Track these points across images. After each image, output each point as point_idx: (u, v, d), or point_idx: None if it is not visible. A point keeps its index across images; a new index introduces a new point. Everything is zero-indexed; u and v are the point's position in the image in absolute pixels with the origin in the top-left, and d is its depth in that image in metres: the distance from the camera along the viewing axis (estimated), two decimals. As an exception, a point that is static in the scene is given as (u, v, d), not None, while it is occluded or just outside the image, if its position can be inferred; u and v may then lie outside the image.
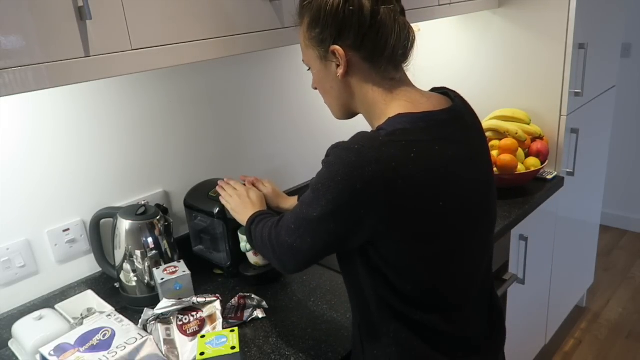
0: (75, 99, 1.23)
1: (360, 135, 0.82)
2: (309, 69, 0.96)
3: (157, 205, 1.33)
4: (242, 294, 1.23)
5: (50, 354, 0.99)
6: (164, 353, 1.05)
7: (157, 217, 1.28)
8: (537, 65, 1.85)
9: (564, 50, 1.77)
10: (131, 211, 1.26)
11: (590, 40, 1.82)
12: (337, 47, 0.86)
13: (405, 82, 0.91)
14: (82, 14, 0.83)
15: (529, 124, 1.86)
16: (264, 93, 1.65)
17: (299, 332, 1.14)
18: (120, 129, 1.33)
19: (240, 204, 1.21)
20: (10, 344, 1.17)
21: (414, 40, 0.89)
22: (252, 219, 1.09)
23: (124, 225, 1.24)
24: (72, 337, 1.03)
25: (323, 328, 1.15)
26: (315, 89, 0.99)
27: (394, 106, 0.87)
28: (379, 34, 0.85)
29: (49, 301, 1.24)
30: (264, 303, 1.23)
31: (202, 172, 1.52)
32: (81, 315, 1.22)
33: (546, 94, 1.86)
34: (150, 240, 1.26)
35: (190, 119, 1.48)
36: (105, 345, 1.00)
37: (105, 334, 1.03)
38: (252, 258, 1.33)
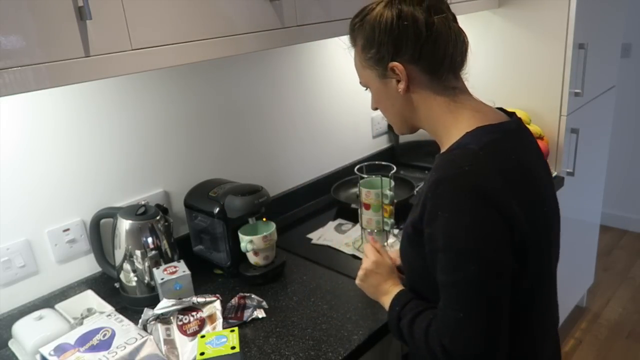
0: (75, 99, 1.23)
1: (455, 159, 0.80)
2: (366, 89, 0.97)
3: (157, 205, 1.33)
4: (242, 294, 1.23)
5: (50, 354, 0.99)
6: (164, 353, 1.05)
7: (157, 217, 1.28)
8: (537, 65, 1.85)
9: (564, 50, 1.77)
10: (131, 211, 1.26)
11: (590, 40, 1.82)
12: (395, 64, 0.86)
13: (465, 90, 0.91)
14: (82, 14, 0.83)
15: (529, 124, 1.86)
16: (264, 93, 1.65)
17: (299, 332, 1.14)
18: (121, 129, 1.33)
19: (374, 286, 1.06)
20: (10, 344, 1.17)
21: (468, 45, 0.90)
22: (398, 315, 0.93)
23: (124, 225, 1.24)
24: (72, 337, 1.03)
25: (323, 328, 1.15)
26: (376, 109, 0.99)
27: (464, 118, 0.87)
28: (437, 44, 0.85)
29: (49, 301, 1.24)
30: (264, 303, 1.23)
31: (202, 172, 1.52)
32: (81, 315, 1.22)
33: (546, 94, 1.86)
34: (150, 240, 1.26)
35: (191, 119, 1.47)
36: (105, 345, 1.00)
37: (105, 334, 1.03)
38: (252, 258, 1.33)
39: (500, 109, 0.96)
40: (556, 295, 1.01)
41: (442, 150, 0.90)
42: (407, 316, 0.90)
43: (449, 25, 0.86)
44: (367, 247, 1.10)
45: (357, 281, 1.08)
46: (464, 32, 0.89)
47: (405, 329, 0.90)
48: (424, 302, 0.92)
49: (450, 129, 0.88)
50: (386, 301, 0.99)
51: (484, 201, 0.76)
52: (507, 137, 0.85)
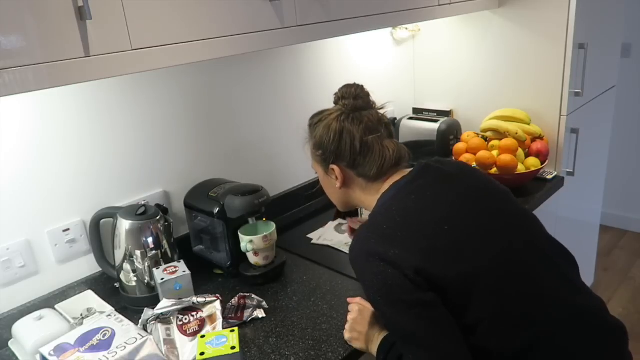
0: (75, 99, 1.23)
1: (365, 234, 0.95)
2: (316, 174, 1.16)
3: (157, 205, 1.33)
4: (242, 294, 1.23)
5: (50, 354, 0.99)
6: (164, 353, 1.05)
7: (157, 217, 1.28)
8: (537, 65, 1.85)
9: (564, 50, 1.77)
10: (131, 211, 1.26)
11: (590, 40, 1.82)
12: (334, 167, 1.07)
13: (394, 176, 1.05)
14: (82, 14, 0.83)
15: (529, 124, 1.86)
16: (263, 93, 1.65)
17: (299, 332, 1.14)
18: (121, 129, 1.33)
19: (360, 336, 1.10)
20: (10, 344, 1.17)
21: (404, 153, 1.07)
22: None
23: (124, 225, 1.24)
24: (72, 337, 1.03)
25: (323, 328, 1.15)
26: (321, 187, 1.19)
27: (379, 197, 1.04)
28: (367, 157, 1.04)
29: (49, 301, 1.24)
30: (264, 303, 1.23)
31: (202, 172, 1.52)
32: (81, 315, 1.22)
33: (546, 94, 1.86)
34: (150, 240, 1.26)
35: (191, 119, 1.47)
36: (105, 345, 1.00)
37: (105, 334, 1.03)
38: (252, 258, 1.33)
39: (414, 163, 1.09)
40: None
41: None
42: None
43: (381, 143, 1.04)
44: (350, 300, 1.16)
45: (346, 334, 1.10)
46: (397, 145, 1.06)
47: None
48: None
49: (373, 202, 1.05)
50: (374, 349, 1.03)
51: (367, 259, 0.91)
52: (405, 188, 1.00)
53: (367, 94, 1.09)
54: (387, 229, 0.93)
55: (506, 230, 0.96)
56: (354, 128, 1.04)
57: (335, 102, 1.11)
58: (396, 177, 1.04)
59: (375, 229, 0.95)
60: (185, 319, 1.11)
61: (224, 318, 1.16)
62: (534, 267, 0.93)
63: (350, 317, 1.11)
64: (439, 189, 0.99)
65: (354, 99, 1.07)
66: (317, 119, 1.11)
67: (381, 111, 1.10)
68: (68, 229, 1.27)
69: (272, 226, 1.35)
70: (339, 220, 1.67)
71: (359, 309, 1.11)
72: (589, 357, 0.89)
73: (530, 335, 0.87)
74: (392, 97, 2.12)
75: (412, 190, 0.99)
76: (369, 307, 1.11)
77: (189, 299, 1.13)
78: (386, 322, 0.96)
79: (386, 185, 1.04)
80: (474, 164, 1.73)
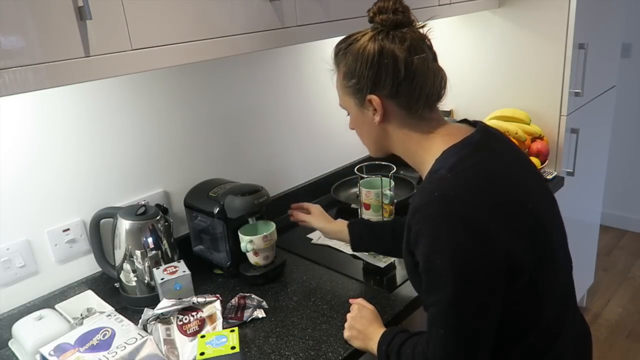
0: (75, 99, 1.23)
1: (427, 186, 0.83)
2: (348, 114, 1.00)
3: (157, 205, 1.33)
4: (242, 294, 1.23)
5: (50, 354, 0.99)
6: (164, 353, 1.05)
7: (157, 217, 1.28)
8: (537, 65, 1.85)
9: (564, 50, 1.77)
10: (131, 211, 1.26)
11: (590, 40, 1.82)
12: (373, 97, 0.90)
13: (440, 119, 0.93)
14: (82, 14, 0.83)
15: (529, 124, 1.86)
16: (263, 93, 1.65)
17: (299, 332, 1.14)
18: (121, 129, 1.33)
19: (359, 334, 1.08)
20: (10, 344, 1.17)
21: (446, 82, 0.93)
22: (386, 352, 0.97)
23: (124, 225, 1.24)
24: (72, 337, 1.03)
25: (323, 328, 1.15)
26: (353, 129, 1.02)
27: (435, 144, 0.90)
28: (413, 83, 0.88)
29: (49, 301, 1.24)
30: (264, 303, 1.23)
31: (202, 172, 1.52)
32: (81, 315, 1.22)
33: (546, 94, 1.86)
34: (150, 240, 1.26)
35: (190, 119, 1.47)
36: (105, 345, 1.00)
37: (105, 334, 1.03)
38: (252, 258, 1.33)
39: (465, 120, 0.98)
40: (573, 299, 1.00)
41: (423, 177, 0.94)
42: (394, 350, 0.95)
43: (427, 66, 0.89)
44: (352, 301, 1.14)
45: (345, 333, 1.09)
46: (442, 71, 0.92)
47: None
48: (407, 333, 0.97)
49: (425, 157, 0.91)
50: (374, 346, 1.01)
51: (455, 224, 0.78)
52: (474, 151, 0.86)
53: (407, 8, 0.91)
54: (477, 196, 0.80)
55: (556, 218, 0.95)
56: (395, 47, 0.87)
57: (370, 20, 0.92)
58: (447, 128, 0.92)
59: (463, 190, 0.80)
60: (185, 319, 1.11)
61: (224, 318, 1.16)
62: (565, 267, 0.96)
63: (349, 315, 1.11)
64: (512, 162, 0.90)
65: (393, 13, 0.89)
66: (346, 44, 0.93)
67: (423, 30, 0.92)
68: (68, 229, 1.27)
69: (272, 226, 1.35)
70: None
71: (358, 308, 1.10)
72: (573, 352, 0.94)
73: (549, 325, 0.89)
74: (392, 97, 2.12)
75: (490, 159, 0.87)
76: (369, 307, 1.11)
77: (189, 299, 1.13)
78: (431, 289, 0.82)
79: (436, 133, 0.91)
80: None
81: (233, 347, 1.00)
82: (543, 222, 0.88)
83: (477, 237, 0.78)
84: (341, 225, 1.33)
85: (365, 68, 0.89)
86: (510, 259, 0.80)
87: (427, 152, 0.91)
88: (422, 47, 0.89)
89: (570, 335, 0.94)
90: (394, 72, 0.87)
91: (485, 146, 0.88)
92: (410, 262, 0.89)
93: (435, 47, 0.94)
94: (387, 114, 0.91)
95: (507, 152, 0.93)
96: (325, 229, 1.36)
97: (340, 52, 0.94)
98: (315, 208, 1.40)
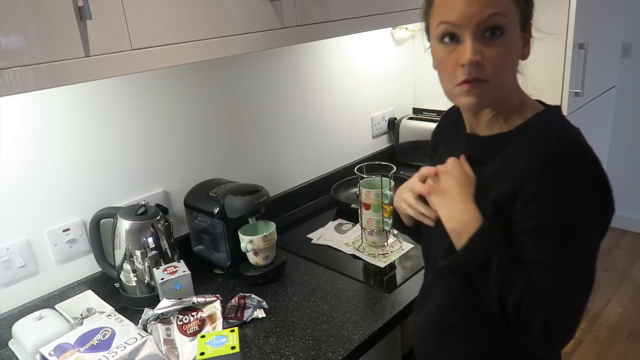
0: (75, 99, 1.23)
1: (568, 134, 0.76)
2: (495, 30, 0.73)
3: (157, 205, 1.33)
4: (242, 294, 1.23)
5: (50, 354, 0.99)
6: (164, 353, 1.05)
7: (157, 217, 1.28)
8: (537, 65, 1.84)
9: (564, 50, 1.77)
10: (131, 211, 1.26)
11: (590, 40, 1.82)
12: (531, 24, 0.77)
13: None
14: (82, 14, 0.83)
15: (529, 124, 1.86)
16: (263, 93, 1.65)
17: (299, 332, 1.14)
18: (120, 129, 1.33)
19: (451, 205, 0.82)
20: (10, 344, 1.17)
21: None
22: (492, 261, 0.75)
23: (124, 225, 1.24)
24: (72, 337, 1.03)
25: (323, 328, 1.15)
26: (476, 62, 0.73)
27: (528, 97, 0.84)
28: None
29: (49, 301, 1.24)
30: (264, 303, 1.23)
31: (202, 172, 1.52)
32: (81, 315, 1.22)
33: (546, 93, 1.84)
34: (150, 240, 1.26)
35: (191, 119, 1.47)
36: (105, 345, 1.00)
37: (105, 334, 1.03)
38: (252, 258, 1.33)
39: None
40: None
41: (486, 129, 0.83)
42: (502, 255, 0.75)
43: None
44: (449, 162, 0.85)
45: (427, 189, 0.83)
46: None
47: (494, 267, 0.74)
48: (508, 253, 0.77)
49: (525, 101, 0.83)
50: (467, 217, 0.77)
51: (598, 183, 0.73)
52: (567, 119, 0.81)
53: None
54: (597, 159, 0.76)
55: None
56: None
57: None
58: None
59: (592, 153, 0.75)
60: (185, 319, 1.11)
61: (224, 318, 1.16)
62: None
63: (443, 169, 0.84)
64: None
65: None
66: None
67: None
68: (68, 229, 1.27)
69: (272, 226, 1.35)
70: (339, 220, 1.67)
71: (458, 166, 0.83)
72: None
73: None
74: (392, 97, 2.12)
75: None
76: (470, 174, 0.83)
77: (189, 299, 1.13)
78: (555, 254, 0.73)
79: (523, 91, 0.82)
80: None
81: (233, 347, 1.00)
82: None
83: (602, 203, 0.75)
84: None
85: None
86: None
87: (525, 97, 0.85)
88: None
89: None
90: None
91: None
92: (495, 214, 0.76)
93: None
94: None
95: None
96: None
97: None
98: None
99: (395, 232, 1.47)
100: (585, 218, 0.73)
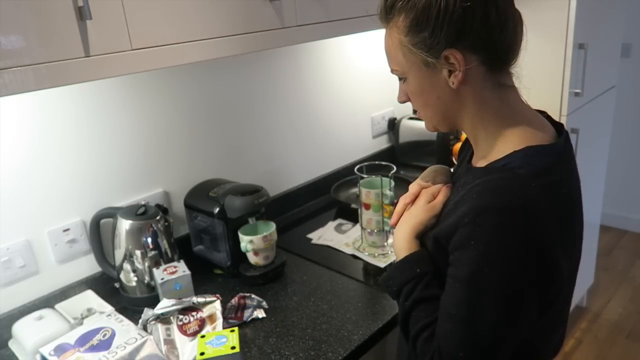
0: (74, 99, 1.23)
1: (505, 187, 0.69)
2: (402, 79, 0.81)
3: (157, 205, 1.33)
4: (242, 294, 1.23)
5: (50, 354, 0.99)
6: (164, 353, 1.05)
7: (157, 217, 1.28)
8: (537, 65, 1.85)
9: (564, 50, 1.77)
10: (131, 211, 1.26)
11: (590, 40, 1.82)
12: (453, 51, 0.73)
13: (515, 89, 0.81)
14: (82, 14, 0.83)
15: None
16: (263, 93, 1.65)
17: (299, 332, 1.14)
18: (121, 129, 1.33)
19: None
20: (10, 344, 1.17)
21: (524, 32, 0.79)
22: (406, 293, 0.80)
23: (124, 225, 1.24)
24: (72, 337, 1.03)
25: (323, 328, 1.15)
26: (404, 101, 0.84)
27: (514, 131, 0.77)
28: (504, 31, 0.74)
29: (49, 301, 1.24)
30: (264, 303, 1.23)
31: (202, 172, 1.52)
32: (81, 315, 1.22)
33: (546, 94, 1.86)
34: (150, 240, 1.26)
35: (190, 119, 1.47)
36: (105, 345, 1.00)
37: (105, 334, 1.03)
38: (252, 258, 1.33)
39: (542, 112, 0.86)
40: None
41: (478, 159, 0.81)
42: (411, 298, 0.79)
43: (514, 9, 0.76)
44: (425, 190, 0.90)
45: (393, 220, 0.89)
46: (522, 17, 0.79)
47: (408, 301, 0.78)
48: (428, 292, 0.79)
49: (497, 138, 0.78)
50: (399, 255, 0.83)
51: (527, 245, 0.68)
52: (558, 163, 0.74)
53: None
54: (556, 225, 0.70)
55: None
56: None
57: None
58: (531, 114, 0.81)
59: (547, 215, 0.69)
60: (185, 319, 1.11)
61: (224, 318, 1.16)
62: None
63: (414, 206, 0.87)
64: (578, 187, 0.81)
65: None
66: None
67: None
68: (68, 229, 1.27)
69: (272, 226, 1.35)
70: (339, 220, 1.68)
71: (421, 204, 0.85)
72: None
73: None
74: (392, 97, 2.12)
75: (572, 179, 0.78)
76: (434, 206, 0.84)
77: (189, 299, 1.13)
78: (463, 310, 0.70)
79: (518, 113, 0.78)
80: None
81: (233, 347, 1.00)
82: (577, 264, 0.84)
83: (544, 270, 0.70)
84: None
85: (445, 16, 0.70)
86: (553, 290, 0.73)
87: (502, 134, 0.77)
88: None
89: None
90: (482, 17, 0.70)
91: (567, 161, 0.77)
92: (435, 248, 0.77)
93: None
94: (467, 73, 0.74)
95: (576, 171, 0.82)
96: None
97: (399, 1, 0.74)
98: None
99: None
100: (504, 277, 0.68)
